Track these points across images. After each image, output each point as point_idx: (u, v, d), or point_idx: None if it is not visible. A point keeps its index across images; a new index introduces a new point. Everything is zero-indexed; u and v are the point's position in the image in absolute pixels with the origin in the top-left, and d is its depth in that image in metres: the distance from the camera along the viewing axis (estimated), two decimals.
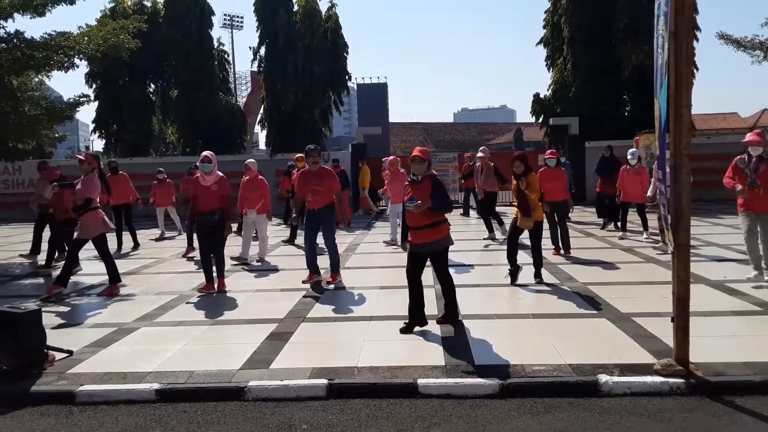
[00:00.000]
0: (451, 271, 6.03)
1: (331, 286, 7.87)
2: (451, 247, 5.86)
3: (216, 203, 7.64)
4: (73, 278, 8.67)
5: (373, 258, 10.38)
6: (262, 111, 25.01)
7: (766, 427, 3.69)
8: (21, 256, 11.19)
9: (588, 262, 9.00)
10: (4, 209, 20.79)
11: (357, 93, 48.18)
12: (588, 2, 20.94)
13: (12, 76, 12.35)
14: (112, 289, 7.97)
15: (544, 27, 23.72)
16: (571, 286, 7.39)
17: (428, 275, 6.84)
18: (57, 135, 17.83)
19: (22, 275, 10.00)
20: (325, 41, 22.71)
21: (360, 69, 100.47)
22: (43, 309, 5.34)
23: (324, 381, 4.42)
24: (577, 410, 3.98)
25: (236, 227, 11.86)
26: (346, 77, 23.98)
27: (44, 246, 10.62)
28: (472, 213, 16.63)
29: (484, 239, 11.59)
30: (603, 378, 4.28)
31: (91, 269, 9.55)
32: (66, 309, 7.25)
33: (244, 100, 40.97)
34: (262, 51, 22.96)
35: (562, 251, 9.50)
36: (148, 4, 24.40)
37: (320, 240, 8.02)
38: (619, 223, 11.78)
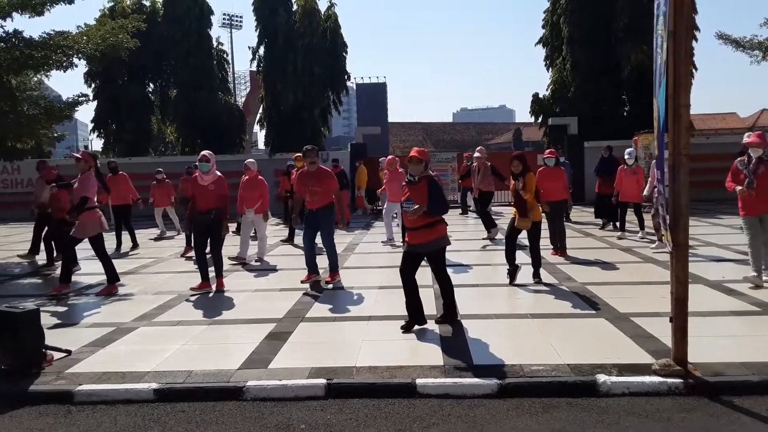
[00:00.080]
0: (450, 271, 6.02)
1: (330, 286, 7.87)
2: (449, 247, 5.85)
3: (213, 203, 7.64)
4: (71, 278, 8.65)
5: (371, 258, 10.38)
6: (261, 111, 24.97)
7: (764, 427, 3.70)
8: (19, 256, 11.17)
9: (586, 262, 9.00)
10: (3, 209, 20.75)
11: (356, 93, 48.21)
12: (587, 2, 20.90)
13: (11, 75, 12.33)
14: (110, 288, 7.97)
15: (544, 27, 23.69)
16: (569, 286, 7.39)
17: (428, 275, 6.85)
18: (56, 134, 17.83)
19: (20, 275, 10.00)
20: (325, 41, 22.68)
21: (359, 69, 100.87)
22: (41, 308, 5.34)
23: (322, 381, 4.41)
24: (575, 410, 3.98)
25: (234, 227, 11.87)
26: (346, 77, 23.94)
27: (44, 246, 10.62)
28: (471, 213, 16.64)
29: (483, 239, 11.61)
30: (601, 378, 4.28)
31: (89, 269, 9.54)
32: (64, 309, 7.24)
33: (243, 99, 40.92)
34: (262, 50, 22.92)
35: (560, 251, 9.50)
36: (147, 3, 24.36)
37: (319, 240, 8.03)
38: (618, 224, 11.81)
